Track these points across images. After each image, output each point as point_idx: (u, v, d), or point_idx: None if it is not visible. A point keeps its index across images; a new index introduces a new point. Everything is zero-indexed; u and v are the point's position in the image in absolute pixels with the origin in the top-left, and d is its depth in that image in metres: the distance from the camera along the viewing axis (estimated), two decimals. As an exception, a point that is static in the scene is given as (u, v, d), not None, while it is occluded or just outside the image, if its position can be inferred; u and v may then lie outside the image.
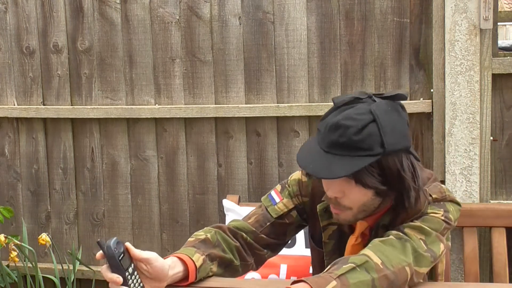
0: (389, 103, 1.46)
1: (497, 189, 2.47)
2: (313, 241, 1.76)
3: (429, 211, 1.52)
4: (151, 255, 1.42)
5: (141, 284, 1.40)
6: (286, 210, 1.70)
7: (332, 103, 1.51)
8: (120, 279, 1.35)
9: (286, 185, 1.73)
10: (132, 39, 2.74)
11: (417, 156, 1.51)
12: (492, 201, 2.43)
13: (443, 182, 2.43)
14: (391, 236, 1.46)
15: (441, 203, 1.55)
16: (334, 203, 1.52)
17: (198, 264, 1.50)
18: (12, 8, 2.87)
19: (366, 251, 1.41)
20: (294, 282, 1.33)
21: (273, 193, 1.74)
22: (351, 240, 1.63)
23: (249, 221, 1.70)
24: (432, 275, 2.42)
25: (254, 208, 1.77)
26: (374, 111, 1.41)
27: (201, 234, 1.62)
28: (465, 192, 2.40)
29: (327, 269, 1.37)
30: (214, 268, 1.57)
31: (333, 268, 1.36)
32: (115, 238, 1.38)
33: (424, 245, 1.46)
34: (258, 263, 1.72)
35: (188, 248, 1.55)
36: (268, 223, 1.69)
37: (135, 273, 1.40)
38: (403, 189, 1.47)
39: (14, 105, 2.92)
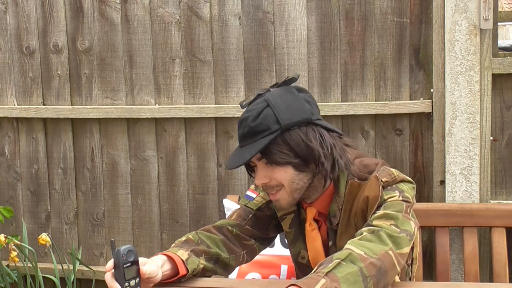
0: (283, 88, 1.63)
1: (497, 189, 2.47)
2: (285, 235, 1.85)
3: (385, 197, 1.59)
4: (151, 275, 1.48)
5: None
6: (264, 201, 1.83)
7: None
8: None
9: None
10: (132, 39, 2.74)
11: (329, 126, 1.63)
12: (492, 201, 2.43)
13: (443, 182, 2.44)
14: (364, 233, 1.51)
15: (394, 185, 1.61)
16: (265, 189, 1.66)
17: (184, 258, 1.58)
18: (12, 8, 2.87)
19: (348, 246, 1.46)
20: None
21: (248, 192, 1.88)
22: (307, 227, 1.74)
23: (232, 218, 1.82)
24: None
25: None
26: (267, 98, 1.58)
27: (182, 238, 1.72)
28: (465, 192, 2.40)
29: (314, 269, 1.41)
30: (203, 261, 1.64)
31: (320, 268, 1.40)
32: (129, 246, 1.42)
33: (396, 228, 1.51)
34: (250, 254, 1.81)
35: (172, 249, 1.64)
36: (250, 215, 1.81)
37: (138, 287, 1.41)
38: (315, 158, 1.58)
39: (14, 105, 2.92)
